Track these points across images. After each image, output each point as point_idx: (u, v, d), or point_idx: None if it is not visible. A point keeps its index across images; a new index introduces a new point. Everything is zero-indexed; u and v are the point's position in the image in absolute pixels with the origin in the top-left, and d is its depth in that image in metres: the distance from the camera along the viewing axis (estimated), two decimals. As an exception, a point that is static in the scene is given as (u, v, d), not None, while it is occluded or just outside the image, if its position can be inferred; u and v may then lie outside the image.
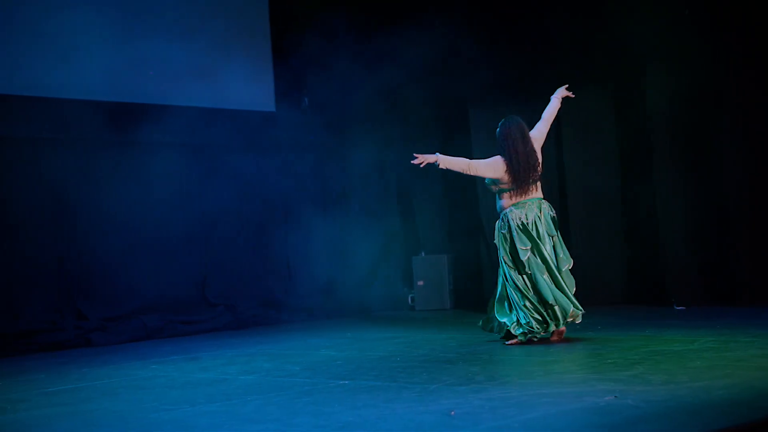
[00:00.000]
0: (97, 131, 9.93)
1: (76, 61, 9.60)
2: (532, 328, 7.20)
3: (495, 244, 7.50)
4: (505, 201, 7.39)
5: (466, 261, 11.49)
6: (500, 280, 7.42)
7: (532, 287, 7.24)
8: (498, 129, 7.48)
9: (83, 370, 7.49)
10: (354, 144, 11.99)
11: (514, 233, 7.28)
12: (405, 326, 9.65)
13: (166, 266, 10.43)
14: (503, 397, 4.94)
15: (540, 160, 7.40)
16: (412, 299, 11.80)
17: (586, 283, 8.74)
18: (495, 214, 10.82)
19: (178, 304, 10.43)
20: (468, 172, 7.47)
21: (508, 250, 7.33)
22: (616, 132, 10.63)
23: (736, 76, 9.60)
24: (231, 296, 10.85)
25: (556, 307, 7.18)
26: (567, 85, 7.81)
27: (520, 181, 7.31)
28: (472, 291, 11.29)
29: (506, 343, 7.31)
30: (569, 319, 7.26)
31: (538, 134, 7.56)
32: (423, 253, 11.89)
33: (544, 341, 7.31)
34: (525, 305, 7.22)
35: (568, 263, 7.33)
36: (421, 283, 11.72)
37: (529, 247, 7.27)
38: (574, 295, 7.28)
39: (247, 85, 10.92)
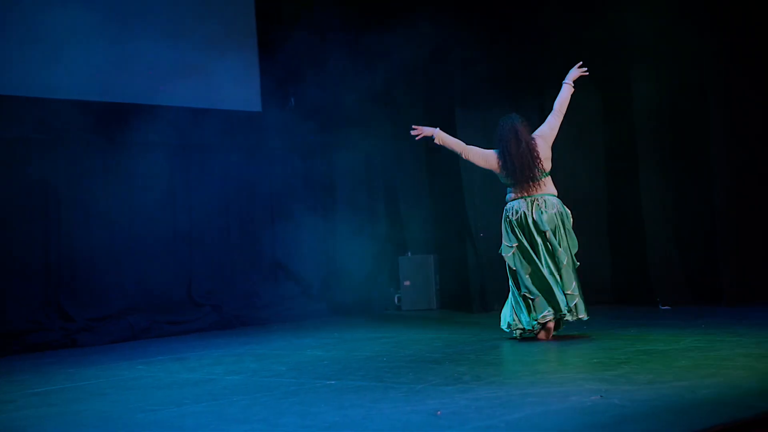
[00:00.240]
0: (83, 131, 9.91)
1: (63, 61, 9.57)
2: (521, 324, 7.29)
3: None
4: (511, 195, 7.50)
5: (452, 261, 11.50)
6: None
7: (515, 282, 7.38)
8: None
9: (69, 371, 7.46)
10: (341, 144, 11.98)
11: (506, 228, 7.39)
12: (391, 326, 9.66)
13: (152, 266, 10.41)
14: (489, 397, 4.95)
15: (542, 157, 7.36)
16: (399, 299, 11.80)
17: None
18: (483, 214, 10.98)
19: (165, 304, 10.41)
20: (462, 156, 7.60)
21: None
22: (602, 132, 10.66)
23: (723, 77, 9.63)
24: (217, 296, 10.83)
25: (538, 300, 7.27)
26: (580, 63, 7.60)
27: (515, 179, 7.39)
28: (459, 291, 11.29)
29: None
30: (564, 316, 7.29)
31: (548, 129, 7.48)
32: (409, 253, 11.90)
33: (532, 340, 7.32)
34: (516, 300, 7.36)
35: (566, 257, 7.28)
36: (407, 283, 11.72)
37: (514, 245, 7.36)
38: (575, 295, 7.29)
39: (233, 85, 10.91)
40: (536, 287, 7.29)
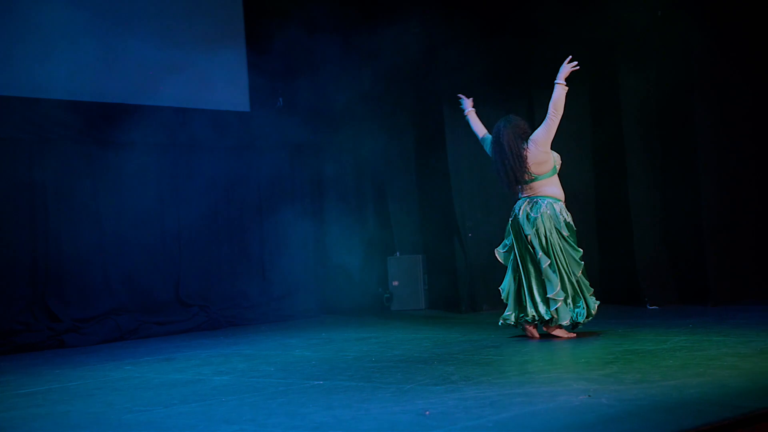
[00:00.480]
0: (71, 131, 9.89)
1: (51, 61, 9.54)
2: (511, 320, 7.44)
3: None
4: (519, 195, 7.58)
5: (441, 261, 11.50)
6: None
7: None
8: None
9: (57, 372, 7.44)
10: (329, 144, 11.98)
11: (507, 228, 7.54)
12: (380, 326, 9.65)
13: (140, 266, 10.39)
14: (477, 397, 4.95)
15: (532, 161, 7.33)
16: (387, 299, 11.80)
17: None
18: (471, 214, 10.99)
19: (153, 305, 10.39)
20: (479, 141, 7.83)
21: None
22: (590, 131, 10.68)
23: (711, 76, 9.67)
24: (205, 296, 10.81)
25: (508, 300, 7.50)
26: (569, 58, 7.42)
27: (501, 183, 7.49)
28: (448, 291, 11.30)
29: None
30: (535, 320, 7.40)
31: (543, 132, 7.32)
32: (398, 253, 11.90)
33: (524, 338, 7.34)
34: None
35: (548, 261, 7.24)
36: (396, 283, 11.72)
37: (508, 245, 7.48)
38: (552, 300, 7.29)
39: (222, 85, 10.90)
40: (507, 288, 7.46)
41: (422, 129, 11.75)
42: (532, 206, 7.36)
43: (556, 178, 7.46)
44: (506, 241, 7.52)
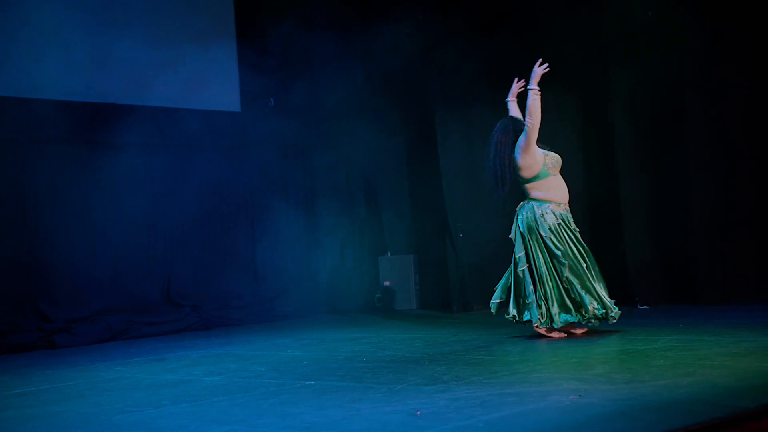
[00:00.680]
0: (60, 131, 9.86)
1: (41, 61, 9.52)
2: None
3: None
4: None
5: (432, 261, 11.51)
6: None
7: None
8: None
9: (47, 372, 7.42)
10: (320, 144, 11.98)
11: None
12: (371, 326, 9.66)
13: (131, 267, 10.37)
14: (469, 397, 4.96)
15: (519, 166, 7.40)
16: (378, 299, 11.80)
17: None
18: (463, 214, 10.99)
19: (143, 305, 10.37)
20: None
21: None
22: (580, 132, 10.69)
23: (704, 74, 9.68)
24: (196, 297, 10.79)
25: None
26: (540, 60, 7.45)
27: (488, 183, 7.56)
28: (439, 291, 11.31)
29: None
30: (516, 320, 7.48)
31: (522, 139, 7.34)
32: (389, 253, 11.89)
33: (511, 339, 7.35)
34: None
35: (525, 265, 7.35)
36: (387, 283, 11.72)
37: (521, 256, 7.49)
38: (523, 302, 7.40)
39: (212, 85, 10.89)
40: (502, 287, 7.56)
41: (414, 130, 11.75)
42: (520, 209, 7.48)
43: (546, 182, 7.41)
44: (517, 254, 7.45)
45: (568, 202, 7.54)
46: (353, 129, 11.85)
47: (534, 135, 7.30)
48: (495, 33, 10.81)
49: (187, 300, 10.68)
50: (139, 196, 10.45)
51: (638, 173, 10.09)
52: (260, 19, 11.19)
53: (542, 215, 7.34)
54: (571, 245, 7.32)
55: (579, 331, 7.42)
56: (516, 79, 7.68)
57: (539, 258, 7.30)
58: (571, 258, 7.27)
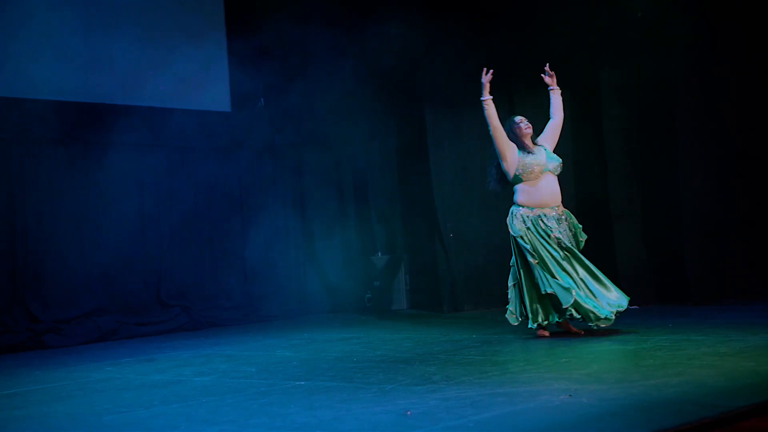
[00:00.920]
0: (51, 130, 9.85)
1: (31, 61, 9.52)
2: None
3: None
4: None
5: (423, 261, 11.51)
6: None
7: None
8: None
9: (36, 373, 7.40)
10: (311, 144, 11.97)
11: None
12: (361, 326, 9.65)
13: (120, 267, 10.34)
14: (459, 397, 4.96)
15: (500, 169, 7.63)
16: (369, 299, 11.80)
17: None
18: (453, 214, 11.00)
19: (133, 306, 10.35)
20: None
21: None
22: (571, 134, 10.68)
23: (694, 72, 9.68)
24: (187, 297, 10.78)
25: None
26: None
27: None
28: (429, 291, 11.31)
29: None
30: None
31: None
32: (380, 254, 11.89)
33: (501, 338, 7.36)
34: None
35: (513, 268, 7.57)
36: (377, 283, 11.72)
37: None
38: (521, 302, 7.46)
39: (203, 85, 10.87)
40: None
41: (405, 130, 11.74)
42: (510, 214, 7.59)
43: (519, 186, 7.50)
44: (528, 258, 7.44)
45: (559, 205, 7.55)
46: (344, 129, 11.85)
47: (497, 142, 7.49)
48: (486, 34, 10.81)
49: (177, 300, 10.67)
50: (130, 196, 10.44)
51: (629, 172, 10.10)
52: (251, 21, 11.18)
53: (512, 219, 7.50)
54: (540, 247, 7.32)
55: (575, 329, 7.44)
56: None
57: (519, 260, 7.44)
58: (541, 258, 7.29)
